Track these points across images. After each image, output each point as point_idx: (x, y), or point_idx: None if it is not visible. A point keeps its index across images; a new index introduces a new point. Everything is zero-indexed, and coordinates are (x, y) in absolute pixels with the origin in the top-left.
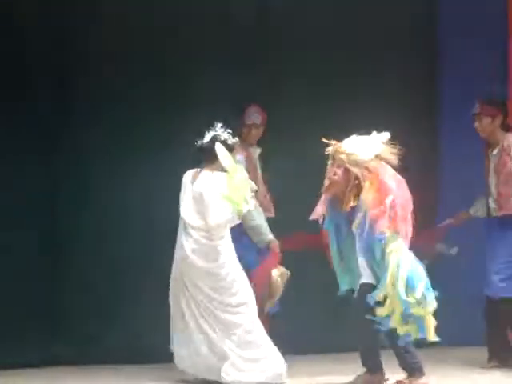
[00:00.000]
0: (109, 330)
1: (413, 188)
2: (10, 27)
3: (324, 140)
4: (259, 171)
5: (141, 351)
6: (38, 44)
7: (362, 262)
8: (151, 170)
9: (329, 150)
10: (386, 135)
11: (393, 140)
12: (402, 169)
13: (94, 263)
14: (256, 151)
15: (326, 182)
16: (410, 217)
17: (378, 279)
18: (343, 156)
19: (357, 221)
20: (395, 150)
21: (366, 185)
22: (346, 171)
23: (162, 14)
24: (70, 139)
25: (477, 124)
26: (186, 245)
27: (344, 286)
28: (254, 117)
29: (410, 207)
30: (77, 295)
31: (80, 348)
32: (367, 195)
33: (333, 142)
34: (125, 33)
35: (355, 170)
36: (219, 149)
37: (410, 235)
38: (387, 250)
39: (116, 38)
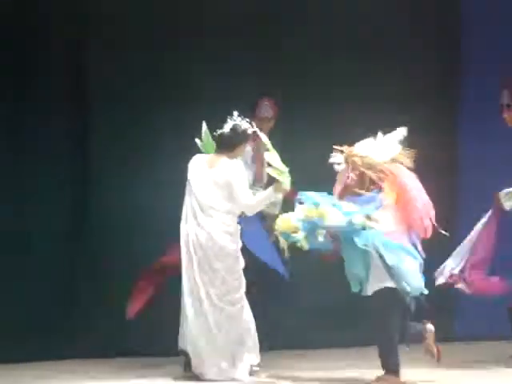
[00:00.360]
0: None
1: (433, 189)
2: (11, 32)
3: (335, 147)
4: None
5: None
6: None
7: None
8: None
9: (335, 156)
10: (403, 132)
11: (411, 137)
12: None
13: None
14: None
15: (338, 187)
16: (431, 214)
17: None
18: (357, 159)
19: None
20: (410, 153)
21: (385, 186)
22: (361, 174)
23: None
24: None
25: (505, 115)
26: (208, 226)
27: (357, 287)
28: (266, 110)
29: (430, 205)
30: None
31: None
32: (388, 198)
33: (344, 148)
34: (125, 33)
35: (370, 173)
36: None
37: (428, 233)
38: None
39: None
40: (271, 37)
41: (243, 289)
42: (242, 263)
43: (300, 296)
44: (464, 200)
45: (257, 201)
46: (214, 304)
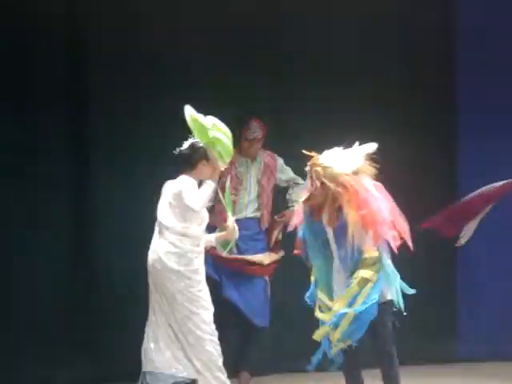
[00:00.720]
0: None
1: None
2: (13, 34)
3: (304, 152)
4: (254, 184)
5: None
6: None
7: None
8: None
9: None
10: (373, 146)
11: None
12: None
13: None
14: (255, 166)
15: (306, 194)
16: (399, 220)
17: None
18: (319, 169)
19: (342, 240)
20: (374, 165)
21: (345, 202)
22: (323, 185)
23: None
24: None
25: None
26: (160, 248)
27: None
28: (256, 132)
29: (396, 212)
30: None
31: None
32: (349, 214)
33: (312, 154)
34: (125, 32)
35: (331, 185)
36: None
37: (397, 239)
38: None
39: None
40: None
41: (205, 316)
42: (202, 288)
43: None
44: None
45: (199, 197)
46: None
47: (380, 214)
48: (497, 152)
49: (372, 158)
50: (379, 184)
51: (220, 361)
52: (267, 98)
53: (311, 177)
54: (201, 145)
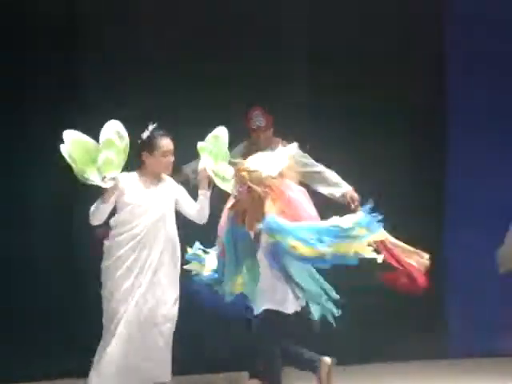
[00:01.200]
0: None
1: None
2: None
3: (232, 160)
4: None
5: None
6: None
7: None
8: None
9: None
10: (294, 147)
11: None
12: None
13: None
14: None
15: (233, 200)
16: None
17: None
18: (245, 174)
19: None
20: (301, 164)
21: (268, 203)
22: (250, 190)
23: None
24: None
25: None
26: None
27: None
28: (258, 120)
29: (316, 218)
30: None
31: None
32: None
33: (238, 161)
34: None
35: (257, 188)
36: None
37: None
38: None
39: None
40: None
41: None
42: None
43: None
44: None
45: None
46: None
47: (304, 214)
48: (487, 152)
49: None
50: (303, 189)
51: None
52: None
53: (237, 182)
54: (143, 137)
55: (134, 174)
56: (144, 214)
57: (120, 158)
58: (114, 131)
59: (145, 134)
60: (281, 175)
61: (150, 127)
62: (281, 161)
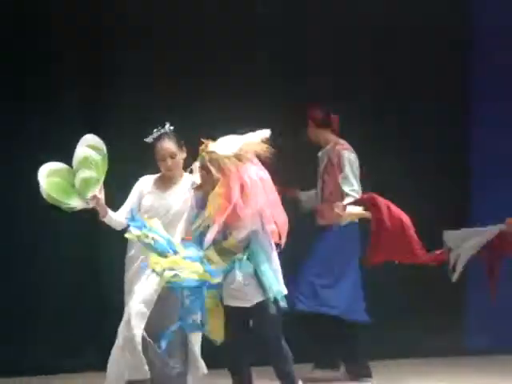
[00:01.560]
0: None
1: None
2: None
3: (202, 140)
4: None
5: None
6: None
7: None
8: None
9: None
10: (266, 133)
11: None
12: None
13: None
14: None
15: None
16: (278, 213)
17: None
18: (205, 154)
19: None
20: (262, 148)
21: (225, 182)
22: (209, 171)
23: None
24: None
25: None
26: None
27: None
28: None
29: (277, 205)
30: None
31: None
32: (213, 202)
33: (205, 141)
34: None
35: (213, 170)
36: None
37: (276, 233)
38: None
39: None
40: None
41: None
42: None
43: None
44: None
45: None
46: None
47: (253, 200)
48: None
49: None
50: (266, 175)
51: None
52: None
53: (199, 163)
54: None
55: (154, 177)
56: (156, 215)
57: (100, 171)
58: (87, 146)
59: (148, 139)
60: (239, 159)
61: (155, 131)
62: (239, 141)
